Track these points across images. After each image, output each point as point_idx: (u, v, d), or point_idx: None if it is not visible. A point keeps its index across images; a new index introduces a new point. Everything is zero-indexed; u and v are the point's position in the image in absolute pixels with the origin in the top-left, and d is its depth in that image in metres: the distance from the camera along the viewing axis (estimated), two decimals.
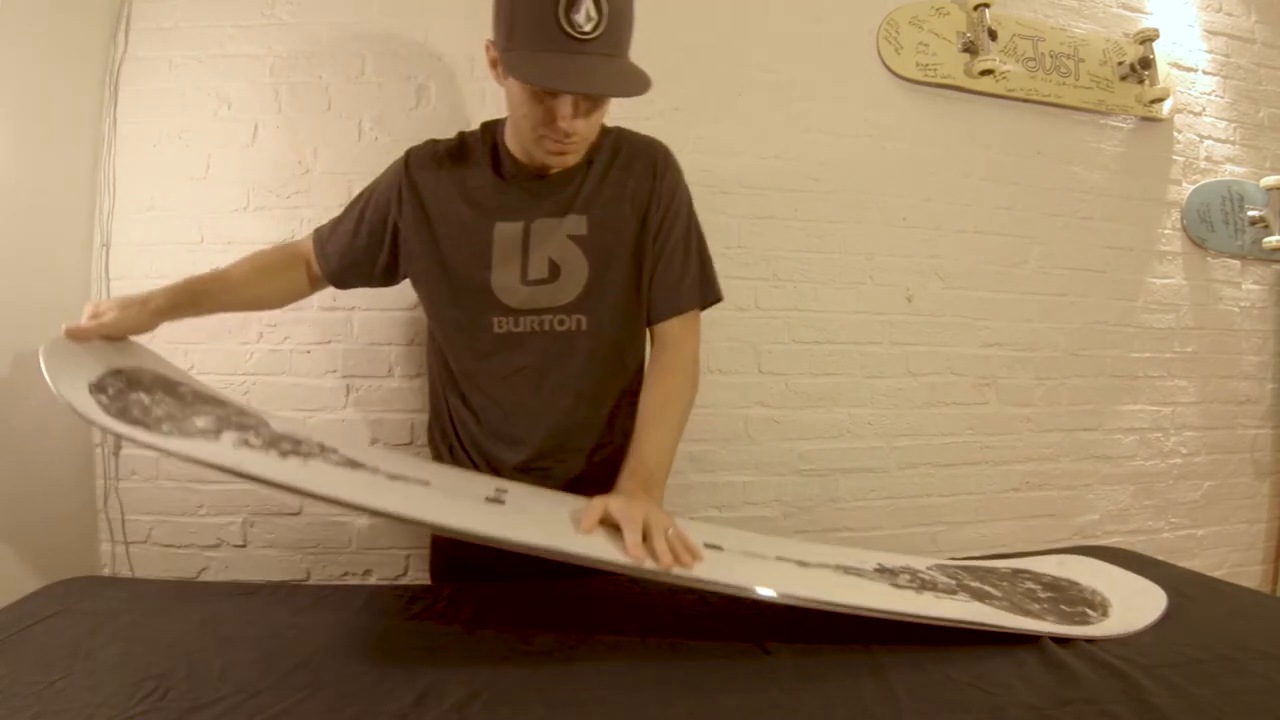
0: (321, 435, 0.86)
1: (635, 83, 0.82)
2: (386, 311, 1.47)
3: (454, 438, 1.04)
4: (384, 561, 1.50)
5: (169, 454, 0.62)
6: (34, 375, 1.32)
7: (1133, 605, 0.85)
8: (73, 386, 0.68)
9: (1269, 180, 1.91)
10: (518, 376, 0.97)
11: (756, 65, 1.62)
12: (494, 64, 0.88)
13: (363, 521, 1.49)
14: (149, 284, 1.43)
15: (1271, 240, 1.89)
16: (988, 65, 1.65)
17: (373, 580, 1.50)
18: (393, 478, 0.76)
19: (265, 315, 1.45)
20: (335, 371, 1.47)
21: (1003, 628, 0.73)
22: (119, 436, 0.63)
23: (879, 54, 1.67)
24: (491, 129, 1.00)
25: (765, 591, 0.71)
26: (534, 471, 0.99)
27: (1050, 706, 0.61)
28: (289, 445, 0.75)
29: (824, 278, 1.65)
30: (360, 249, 1.02)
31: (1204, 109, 1.92)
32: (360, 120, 1.47)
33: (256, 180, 1.45)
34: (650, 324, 1.03)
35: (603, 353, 0.99)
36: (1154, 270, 1.87)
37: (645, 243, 0.99)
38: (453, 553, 1.07)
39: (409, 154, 1.01)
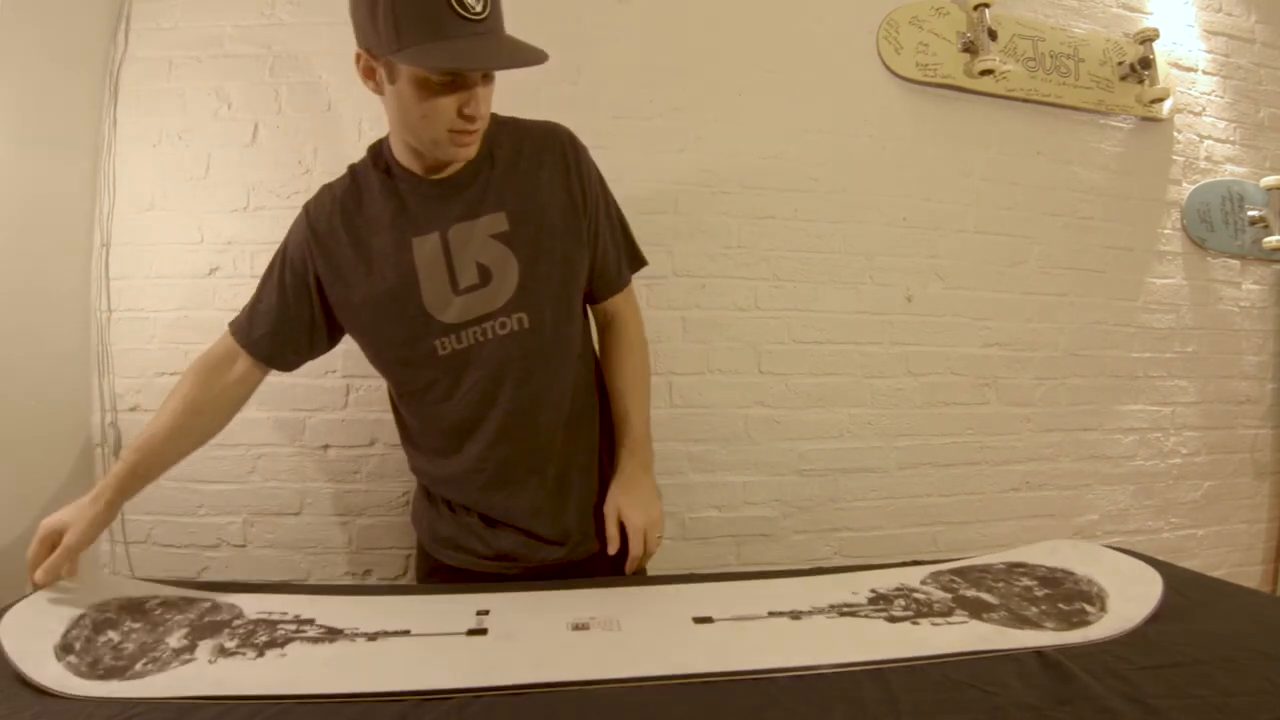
0: (302, 601, 0.86)
1: (536, 53, 0.81)
2: None
3: (437, 487, 1.05)
4: (384, 561, 1.50)
5: (154, 700, 0.62)
6: (34, 375, 1.32)
7: (1129, 595, 0.85)
8: (39, 662, 0.67)
9: (1269, 180, 1.91)
10: (471, 393, 0.95)
11: (756, 65, 1.62)
12: (370, 73, 0.86)
13: (363, 521, 1.49)
14: (149, 284, 1.45)
15: (1271, 240, 1.89)
16: (988, 65, 1.65)
17: (373, 580, 1.50)
18: (372, 638, 0.75)
19: None
20: (335, 371, 1.47)
21: (1003, 650, 0.73)
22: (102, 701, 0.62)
23: (879, 54, 1.67)
24: (378, 150, 0.97)
25: (768, 665, 0.70)
26: (508, 488, 0.98)
27: (1049, 706, 0.61)
28: (265, 635, 0.75)
29: (824, 278, 1.65)
30: (294, 318, 0.97)
31: (1204, 109, 1.92)
32: (360, 120, 1.47)
33: (256, 180, 1.45)
34: (594, 303, 1.04)
35: (548, 348, 0.96)
36: (1154, 270, 1.88)
37: (577, 228, 0.97)
38: (436, 561, 1.07)
39: (307, 208, 0.99)
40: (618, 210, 1.05)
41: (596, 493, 1.04)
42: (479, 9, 0.79)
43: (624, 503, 0.98)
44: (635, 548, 0.96)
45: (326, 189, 0.99)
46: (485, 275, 0.92)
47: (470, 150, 0.89)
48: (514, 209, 0.93)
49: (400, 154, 0.94)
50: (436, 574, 1.06)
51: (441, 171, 0.93)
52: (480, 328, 0.93)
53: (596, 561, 1.02)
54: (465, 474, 0.99)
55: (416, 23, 0.78)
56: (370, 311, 0.94)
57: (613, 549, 0.96)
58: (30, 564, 0.80)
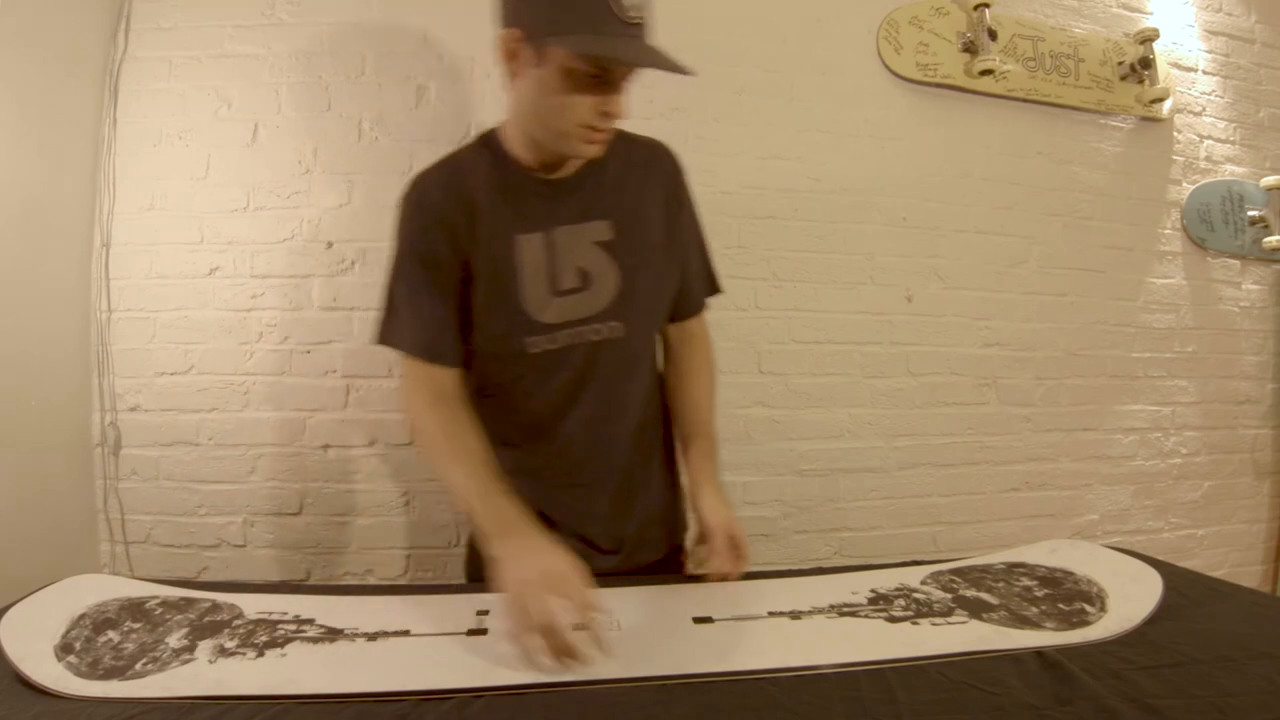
0: (302, 601, 0.85)
1: (684, 65, 0.82)
2: None
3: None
4: (384, 561, 1.50)
5: (154, 700, 0.62)
6: (34, 375, 1.32)
7: (1129, 594, 0.85)
8: (39, 662, 0.67)
9: (1269, 180, 1.91)
10: (555, 395, 0.95)
11: (756, 65, 1.62)
12: (513, 54, 0.84)
13: (363, 521, 1.49)
14: (149, 284, 1.45)
15: (1271, 240, 1.89)
16: (988, 65, 1.65)
17: (373, 580, 1.50)
18: (371, 638, 0.75)
19: (265, 315, 1.45)
20: (335, 371, 1.47)
21: (1003, 650, 0.73)
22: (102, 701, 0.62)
23: (879, 54, 1.67)
24: (489, 138, 0.96)
25: (769, 666, 0.70)
26: (574, 490, 0.99)
27: (1050, 706, 0.61)
28: (265, 634, 0.75)
29: (824, 278, 1.65)
30: (449, 315, 0.92)
31: (1204, 109, 1.92)
32: (360, 120, 1.47)
33: (256, 180, 1.45)
34: (675, 320, 1.05)
35: (634, 359, 0.98)
36: (1154, 270, 1.88)
37: (672, 246, 1.00)
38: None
39: (419, 194, 0.93)
40: (704, 236, 1.07)
41: (658, 505, 1.06)
42: (636, 15, 0.80)
43: (730, 515, 0.97)
44: (748, 556, 0.95)
45: (426, 176, 0.94)
46: (585, 280, 0.93)
47: (596, 150, 0.88)
48: (619, 219, 0.94)
49: (516, 146, 0.93)
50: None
51: (554, 171, 0.93)
52: (574, 331, 0.93)
53: (649, 571, 1.02)
54: (534, 469, 0.98)
55: (579, 12, 0.78)
56: (473, 299, 0.92)
57: (732, 568, 0.93)
58: (566, 648, 0.69)
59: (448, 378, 0.93)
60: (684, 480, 1.06)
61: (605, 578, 0.98)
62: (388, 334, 0.96)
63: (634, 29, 0.80)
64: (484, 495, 0.85)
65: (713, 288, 1.10)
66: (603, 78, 0.82)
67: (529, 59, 0.83)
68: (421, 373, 0.93)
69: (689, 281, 1.04)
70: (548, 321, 0.92)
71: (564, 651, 0.67)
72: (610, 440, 0.99)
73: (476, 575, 1.08)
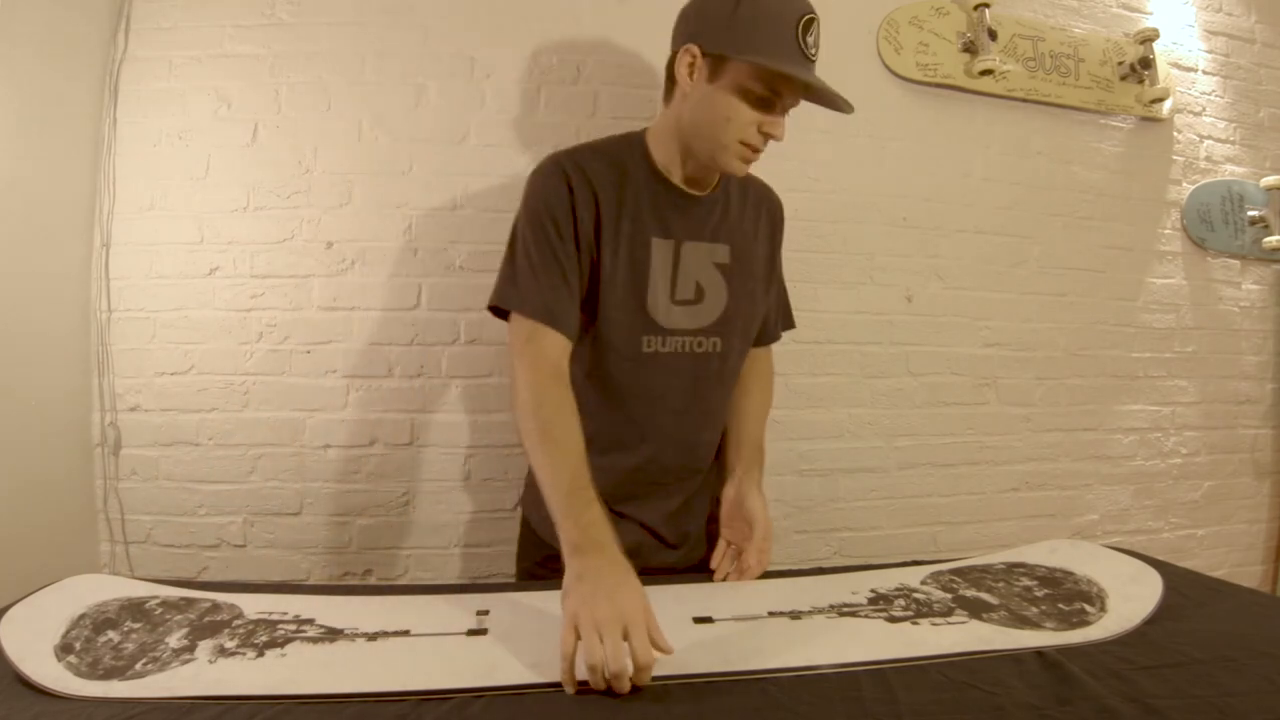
0: (302, 601, 0.85)
1: (848, 102, 0.90)
2: (386, 311, 1.47)
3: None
4: (384, 561, 1.50)
5: (154, 700, 0.62)
6: (34, 375, 1.32)
7: (1129, 594, 0.86)
8: (40, 662, 0.67)
9: (1269, 180, 1.91)
10: (658, 397, 1.00)
11: None
12: (690, 67, 0.91)
13: (363, 521, 1.49)
14: (149, 284, 1.45)
15: (1271, 240, 1.89)
16: (988, 65, 1.65)
17: (373, 580, 1.50)
18: (371, 638, 0.75)
19: (265, 315, 1.45)
20: (335, 371, 1.47)
21: (1003, 650, 0.73)
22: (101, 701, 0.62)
23: (879, 54, 1.67)
24: (638, 141, 1.00)
25: (769, 666, 0.70)
26: (658, 488, 1.04)
27: (1050, 706, 0.61)
28: (265, 634, 0.75)
29: (824, 278, 1.65)
30: (579, 287, 0.94)
31: (1204, 109, 1.92)
32: (360, 120, 1.47)
33: (256, 180, 1.45)
34: (755, 345, 1.13)
35: (727, 376, 1.06)
36: (1154, 270, 1.87)
37: (768, 280, 1.10)
38: (552, 549, 0.98)
39: (568, 162, 0.95)
40: (783, 275, 1.18)
41: (710, 504, 1.11)
42: (813, 53, 0.88)
43: (766, 522, 1.01)
44: (768, 561, 0.99)
45: (577, 154, 0.97)
46: (699, 294, 1.00)
47: (746, 168, 0.95)
48: (736, 246, 1.02)
49: (661, 156, 0.98)
50: (550, 562, 1.03)
51: (691, 188, 0.99)
52: (683, 340, 0.99)
53: (701, 568, 1.04)
54: (627, 469, 1.01)
55: (768, 40, 0.86)
56: (594, 290, 0.96)
57: (759, 567, 0.97)
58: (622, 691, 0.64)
59: (559, 348, 0.91)
60: (729, 480, 1.07)
61: (665, 573, 1.00)
62: (507, 296, 0.94)
63: (809, 63, 0.88)
64: (571, 497, 0.81)
65: (787, 323, 1.21)
66: (771, 101, 0.89)
67: (704, 74, 0.90)
68: (535, 336, 0.91)
69: (770, 314, 1.15)
70: (663, 324, 0.98)
71: (618, 691, 0.64)
72: (697, 447, 1.06)
73: (529, 573, 1.11)
